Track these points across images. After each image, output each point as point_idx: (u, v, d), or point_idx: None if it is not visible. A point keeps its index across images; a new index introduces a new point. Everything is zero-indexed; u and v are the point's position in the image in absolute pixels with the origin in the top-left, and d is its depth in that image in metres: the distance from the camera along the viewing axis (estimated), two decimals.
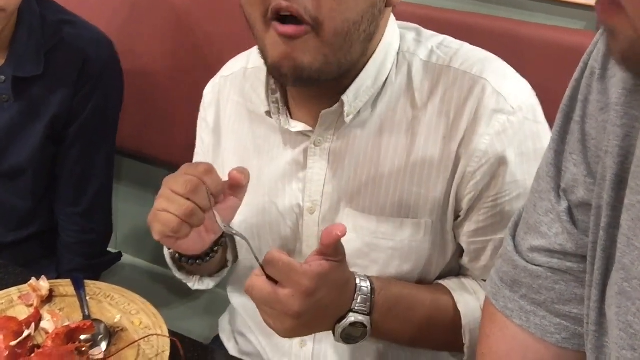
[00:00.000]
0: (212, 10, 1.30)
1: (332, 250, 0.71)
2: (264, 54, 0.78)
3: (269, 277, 0.72)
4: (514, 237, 0.66)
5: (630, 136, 0.53)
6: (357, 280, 0.79)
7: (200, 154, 1.02)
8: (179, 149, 1.43)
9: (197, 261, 0.88)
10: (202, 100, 1.01)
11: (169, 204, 0.76)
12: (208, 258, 0.89)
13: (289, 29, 0.72)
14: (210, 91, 1.00)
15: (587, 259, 0.58)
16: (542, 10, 1.14)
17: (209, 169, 0.77)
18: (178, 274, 0.97)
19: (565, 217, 0.60)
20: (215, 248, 0.88)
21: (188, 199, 0.75)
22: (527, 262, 0.63)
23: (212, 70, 1.03)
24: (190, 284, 0.98)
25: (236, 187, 0.80)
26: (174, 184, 0.76)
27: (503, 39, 1.07)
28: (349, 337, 0.79)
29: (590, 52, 0.58)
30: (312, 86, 0.79)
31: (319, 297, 0.72)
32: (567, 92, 0.60)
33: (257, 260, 0.73)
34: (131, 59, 1.36)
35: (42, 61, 1.15)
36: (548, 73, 0.98)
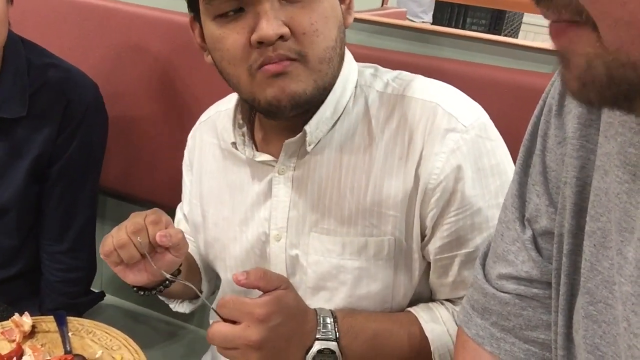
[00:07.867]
0: (192, 61, 1.36)
1: (263, 284, 0.77)
2: (254, 98, 0.82)
3: (226, 321, 0.77)
4: (483, 266, 0.69)
5: (586, 167, 0.56)
6: (317, 311, 0.83)
7: (186, 195, 1.08)
8: (162, 189, 1.46)
9: (145, 292, 0.95)
10: (186, 146, 1.08)
11: (116, 232, 0.85)
12: (154, 292, 0.94)
13: (279, 67, 0.77)
14: (191, 137, 1.07)
15: (552, 285, 0.61)
16: (512, 56, 1.18)
17: (156, 221, 0.85)
18: (160, 295, 1.00)
19: (530, 245, 0.62)
20: (160, 287, 0.94)
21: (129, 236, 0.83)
22: (496, 289, 0.65)
23: (192, 115, 1.10)
24: (171, 305, 1.06)
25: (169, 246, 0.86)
26: (130, 220, 0.86)
27: (473, 83, 1.11)
28: None
29: (548, 91, 0.62)
30: (303, 112, 0.84)
31: (275, 322, 0.76)
32: (528, 128, 0.63)
33: (209, 306, 0.80)
34: (116, 104, 1.38)
35: (26, 103, 1.16)
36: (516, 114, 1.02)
